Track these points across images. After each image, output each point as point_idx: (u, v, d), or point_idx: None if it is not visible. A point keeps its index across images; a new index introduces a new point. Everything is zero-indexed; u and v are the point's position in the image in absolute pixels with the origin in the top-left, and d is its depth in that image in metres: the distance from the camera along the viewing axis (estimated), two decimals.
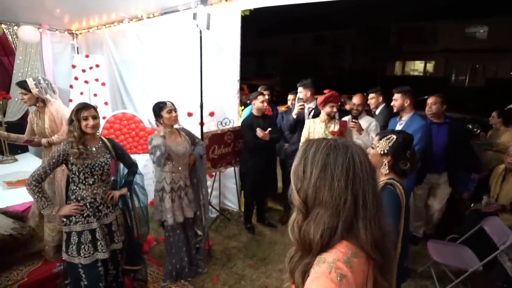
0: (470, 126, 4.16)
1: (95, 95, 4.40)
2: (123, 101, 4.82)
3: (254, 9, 3.28)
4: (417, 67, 21.47)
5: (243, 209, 3.71)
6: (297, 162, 0.81)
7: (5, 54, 4.82)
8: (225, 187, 3.85)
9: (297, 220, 0.79)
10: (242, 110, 3.96)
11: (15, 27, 4.55)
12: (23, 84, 2.40)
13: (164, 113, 2.38)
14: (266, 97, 3.31)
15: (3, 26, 4.41)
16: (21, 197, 2.92)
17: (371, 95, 3.42)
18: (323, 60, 22.32)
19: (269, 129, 3.13)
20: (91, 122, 1.92)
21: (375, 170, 0.81)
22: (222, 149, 3.28)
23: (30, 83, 2.39)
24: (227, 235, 3.34)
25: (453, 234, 2.84)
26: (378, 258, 0.74)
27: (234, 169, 3.65)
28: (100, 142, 2.08)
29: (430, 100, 3.05)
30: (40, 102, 2.45)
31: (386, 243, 0.78)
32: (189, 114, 3.41)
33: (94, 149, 2.00)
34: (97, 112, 2.01)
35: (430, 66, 20.77)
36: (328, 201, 0.74)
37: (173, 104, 2.43)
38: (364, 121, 3.07)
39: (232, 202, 3.87)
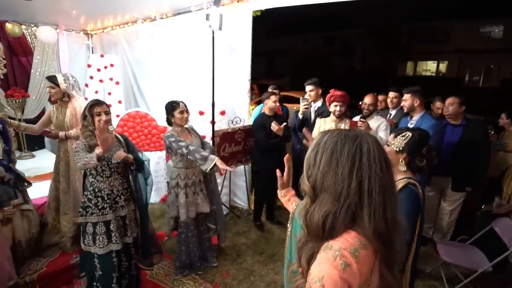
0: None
1: (109, 93, 4.52)
2: (136, 99, 4.94)
3: (265, 9, 3.33)
4: (430, 67, 21.12)
5: (252, 207, 3.76)
6: (310, 150, 0.84)
7: (24, 54, 4.98)
8: (235, 185, 3.91)
9: (305, 205, 0.84)
10: (253, 109, 4.01)
11: (34, 28, 4.71)
12: (52, 79, 2.53)
13: (176, 113, 2.46)
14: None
15: (22, 27, 4.56)
16: (39, 192, 3.04)
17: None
18: (333, 60, 22.19)
19: (284, 123, 3.16)
20: (103, 117, 2.02)
21: (389, 162, 0.81)
22: (232, 147, 3.33)
23: (60, 78, 2.52)
24: (236, 232, 3.39)
25: (463, 236, 2.83)
26: (380, 248, 0.76)
27: (244, 167, 3.70)
28: (114, 138, 2.17)
29: (448, 101, 3.00)
30: (66, 97, 2.57)
31: (392, 235, 0.79)
32: (201, 113, 3.48)
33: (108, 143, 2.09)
34: (109, 108, 2.10)
35: (443, 66, 20.41)
36: (331, 186, 0.77)
37: (185, 105, 2.51)
38: (374, 121, 3.06)
39: (242, 200, 3.92)
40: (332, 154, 0.78)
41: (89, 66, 4.64)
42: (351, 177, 0.76)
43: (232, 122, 3.47)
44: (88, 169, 2.06)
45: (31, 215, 2.54)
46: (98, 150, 1.88)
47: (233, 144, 3.34)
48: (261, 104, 4.12)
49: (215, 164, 2.29)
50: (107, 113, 2.05)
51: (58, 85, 2.49)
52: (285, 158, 1.29)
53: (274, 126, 3.06)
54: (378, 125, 3.06)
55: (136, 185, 2.25)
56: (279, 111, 3.60)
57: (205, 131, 3.41)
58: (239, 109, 3.63)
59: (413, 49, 20.09)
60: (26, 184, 2.46)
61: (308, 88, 3.51)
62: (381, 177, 0.77)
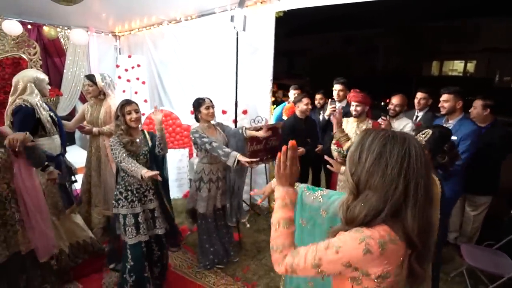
0: None
1: (135, 93, 4.70)
2: (160, 98, 5.11)
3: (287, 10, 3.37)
4: (456, 67, 20.33)
5: (271, 205, 3.80)
6: (353, 149, 0.88)
7: (58, 55, 5.26)
8: (256, 183, 3.97)
9: (347, 200, 0.88)
10: (274, 109, 4.05)
11: (68, 30, 4.97)
12: (91, 77, 2.70)
13: (203, 109, 2.55)
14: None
15: (57, 29, 4.83)
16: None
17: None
18: (354, 60, 21.81)
19: (305, 147, 3.19)
20: (134, 115, 2.15)
21: (430, 164, 0.84)
22: (254, 146, 3.39)
23: (97, 77, 2.68)
24: (256, 229, 3.46)
25: (489, 241, 2.75)
26: (419, 246, 0.80)
27: (265, 166, 3.76)
28: (142, 135, 2.29)
29: (474, 104, 2.90)
30: (102, 95, 2.73)
31: (429, 234, 0.83)
32: (223, 112, 3.57)
33: (138, 140, 2.21)
34: (138, 106, 2.22)
35: (470, 66, 19.59)
36: (378, 186, 0.80)
37: (211, 101, 2.60)
38: (400, 122, 3.00)
39: (261, 197, 3.97)
40: (381, 155, 0.81)
41: (117, 66, 4.85)
42: (399, 179, 0.78)
43: (254, 121, 3.53)
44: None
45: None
46: (146, 174, 1.96)
47: (255, 143, 3.39)
48: (283, 104, 4.17)
49: (238, 160, 2.36)
50: (137, 111, 2.18)
51: (95, 84, 2.65)
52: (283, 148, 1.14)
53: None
54: (403, 126, 3.00)
55: (164, 175, 2.38)
56: (291, 112, 3.62)
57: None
58: (261, 108, 3.68)
59: (439, 49, 19.41)
60: (73, 179, 2.61)
61: (337, 87, 3.50)
62: (426, 180, 0.80)
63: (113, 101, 2.71)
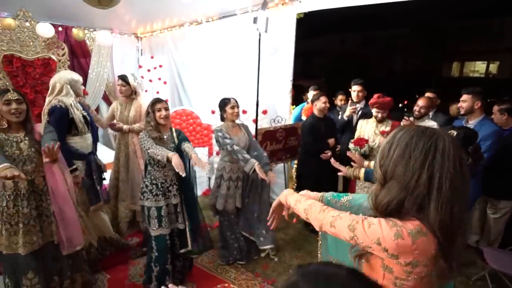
0: None
1: (157, 92, 4.85)
2: (180, 98, 5.23)
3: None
4: (478, 68, 19.72)
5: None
6: (385, 142, 0.93)
7: (83, 56, 5.48)
8: (275, 183, 4.01)
9: (376, 189, 0.93)
10: (293, 109, 4.10)
11: (94, 32, 5.17)
12: (124, 78, 2.82)
13: (228, 108, 2.63)
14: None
15: (90, 32, 5.03)
16: None
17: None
18: (373, 61, 21.48)
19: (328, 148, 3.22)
20: (163, 113, 2.26)
21: (464, 163, 0.85)
22: (274, 145, 3.44)
23: (130, 78, 2.81)
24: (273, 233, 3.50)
25: None
26: (441, 239, 0.82)
27: (284, 166, 3.80)
28: (169, 132, 2.38)
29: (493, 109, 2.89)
30: (133, 94, 2.85)
31: (455, 231, 0.84)
32: (244, 112, 3.64)
33: (165, 136, 2.31)
34: (168, 105, 2.32)
35: (493, 67, 18.95)
36: (400, 176, 0.85)
37: (236, 101, 2.68)
38: (424, 124, 2.99)
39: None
40: (406, 147, 0.86)
41: (140, 67, 5.01)
42: (421, 170, 0.82)
43: (274, 121, 3.59)
44: (148, 159, 2.29)
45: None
46: (173, 158, 2.04)
47: (274, 142, 3.45)
48: (302, 104, 4.21)
49: (254, 169, 2.42)
50: (166, 108, 2.29)
51: (128, 84, 2.77)
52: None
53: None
54: None
55: (191, 176, 2.47)
56: (310, 112, 3.64)
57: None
58: (280, 108, 3.73)
59: (460, 49, 18.87)
60: (103, 177, 2.73)
61: (355, 88, 3.51)
62: (453, 175, 0.81)
63: (143, 101, 2.83)
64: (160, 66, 4.90)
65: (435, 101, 3.36)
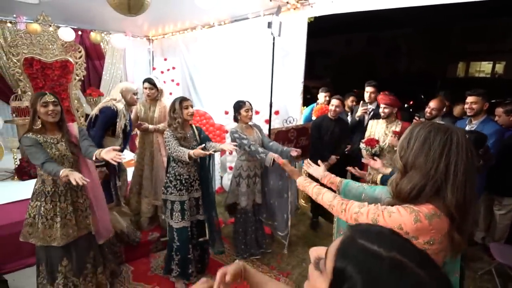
0: None
1: (170, 93, 4.98)
2: (191, 99, 5.37)
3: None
4: (484, 68, 19.67)
5: (301, 201, 3.97)
6: (403, 137, 1.06)
7: (98, 58, 5.66)
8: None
9: (396, 178, 1.06)
10: (304, 109, 4.22)
11: (110, 35, 5.33)
12: (151, 81, 2.96)
13: (242, 111, 2.77)
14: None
15: (103, 35, 5.20)
16: None
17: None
18: (377, 62, 21.52)
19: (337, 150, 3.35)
20: (190, 110, 2.43)
21: (473, 152, 0.98)
22: (286, 145, 3.56)
23: (156, 80, 2.96)
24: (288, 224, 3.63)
25: None
26: (457, 217, 0.95)
27: (295, 164, 3.92)
28: (191, 130, 2.52)
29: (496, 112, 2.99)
30: (159, 96, 3.00)
31: (468, 208, 0.97)
32: (256, 112, 3.77)
33: (188, 134, 2.46)
34: (192, 103, 2.48)
35: (499, 67, 18.90)
36: (422, 165, 0.98)
37: (250, 105, 2.82)
38: None
39: (293, 195, 4.14)
40: (425, 140, 0.99)
41: (153, 69, 5.16)
42: (440, 160, 0.95)
43: (286, 121, 3.71)
44: (171, 156, 2.43)
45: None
46: (193, 153, 2.21)
47: (286, 142, 3.57)
48: (312, 105, 4.33)
49: (274, 160, 2.56)
50: (192, 106, 2.46)
51: (156, 86, 2.91)
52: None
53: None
54: None
55: (211, 172, 2.63)
56: (320, 113, 3.76)
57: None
58: (292, 109, 3.85)
59: (465, 49, 18.83)
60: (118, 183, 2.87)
61: (368, 89, 3.62)
62: (466, 162, 0.95)
63: (166, 101, 2.98)
64: (173, 68, 5.04)
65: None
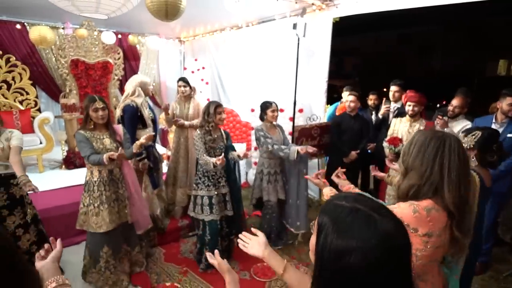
0: None
1: (200, 92, 5.26)
2: (219, 97, 5.61)
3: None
4: None
5: (323, 199, 4.06)
6: (407, 143, 1.19)
7: (134, 59, 6.07)
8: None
9: (399, 180, 1.19)
10: (327, 108, 4.30)
11: (146, 37, 5.70)
12: (186, 79, 3.24)
13: (269, 112, 2.94)
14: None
15: (139, 37, 5.58)
16: None
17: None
18: (409, 60, 20.75)
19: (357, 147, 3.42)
20: (223, 115, 2.64)
21: (466, 155, 1.10)
22: (309, 142, 3.67)
23: (188, 80, 3.20)
24: (308, 218, 3.74)
25: None
26: (456, 213, 1.06)
27: (318, 161, 4.03)
28: (219, 132, 2.73)
29: None
30: (192, 93, 3.26)
31: (464, 206, 1.07)
32: (281, 110, 3.91)
33: (216, 136, 2.66)
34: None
35: None
36: (418, 167, 1.10)
37: (276, 106, 3.00)
38: (458, 123, 3.02)
39: (313, 191, 4.25)
40: (422, 145, 1.11)
41: (185, 68, 5.46)
42: (434, 162, 1.08)
43: (309, 119, 3.83)
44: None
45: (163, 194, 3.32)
46: (217, 162, 2.42)
47: (309, 139, 3.68)
48: (336, 103, 4.40)
49: (298, 152, 2.71)
50: (224, 112, 2.68)
51: (189, 85, 3.17)
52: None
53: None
54: (461, 127, 2.97)
55: (236, 170, 2.84)
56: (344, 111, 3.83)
57: (284, 127, 3.83)
58: (316, 107, 3.96)
59: (508, 46, 17.66)
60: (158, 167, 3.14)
61: (393, 88, 3.64)
62: (458, 164, 1.07)
63: (199, 99, 3.23)
64: (203, 68, 5.30)
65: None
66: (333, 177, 1.84)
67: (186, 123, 3.21)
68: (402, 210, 1.07)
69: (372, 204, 0.62)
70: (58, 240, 1.02)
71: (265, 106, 2.98)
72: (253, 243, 1.11)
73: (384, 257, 0.55)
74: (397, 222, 0.60)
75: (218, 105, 2.64)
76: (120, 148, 2.16)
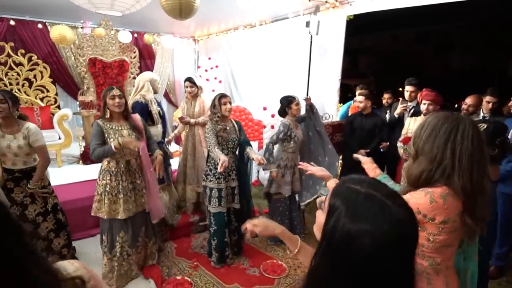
0: None
1: (213, 90, 5.32)
2: (232, 95, 5.64)
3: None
4: None
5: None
6: (419, 125, 1.15)
7: (149, 58, 6.18)
8: None
9: (408, 165, 1.16)
10: (340, 106, 4.26)
11: (160, 37, 5.80)
12: (192, 79, 3.28)
13: (293, 105, 2.97)
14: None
15: (154, 36, 5.68)
16: None
17: None
18: (426, 58, 20.23)
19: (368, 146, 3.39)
20: (228, 106, 2.64)
21: (481, 141, 1.05)
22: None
23: (195, 79, 3.25)
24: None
25: None
26: (465, 200, 1.03)
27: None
28: (231, 123, 2.75)
29: None
30: (199, 92, 3.31)
31: (476, 194, 1.04)
32: None
33: (228, 127, 2.68)
34: (231, 99, 2.71)
35: None
36: (428, 151, 1.07)
37: (299, 99, 3.01)
38: None
39: (324, 190, 4.23)
40: (433, 128, 1.08)
41: (198, 67, 5.53)
42: (445, 147, 1.04)
43: (322, 117, 3.80)
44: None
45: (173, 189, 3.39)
46: (224, 159, 2.42)
47: None
48: (349, 102, 4.36)
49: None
50: (230, 103, 2.69)
51: (196, 84, 3.22)
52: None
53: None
54: None
55: (248, 165, 2.86)
56: (356, 110, 3.80)
57: None
58: (328, 106, 3.93)
59: None
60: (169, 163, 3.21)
61: (408, 88, 3.57)
62: (471, 150, 1.02)
63: (205, 97, 3.28)
64: (217, 66, 5.35)
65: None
66: (356, 155, 1.82)
67: (192, 120, 3.26)
68: (418, 200, 1.05)
69: (387, 190, 0.62)
70: None
71: (288, 100, 2.99)
72: (262, 226, 1.10)
73: (393, 243, 0.56)
74: (409, 211, 0.60)
75: (222, 96, 2.66)
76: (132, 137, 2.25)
